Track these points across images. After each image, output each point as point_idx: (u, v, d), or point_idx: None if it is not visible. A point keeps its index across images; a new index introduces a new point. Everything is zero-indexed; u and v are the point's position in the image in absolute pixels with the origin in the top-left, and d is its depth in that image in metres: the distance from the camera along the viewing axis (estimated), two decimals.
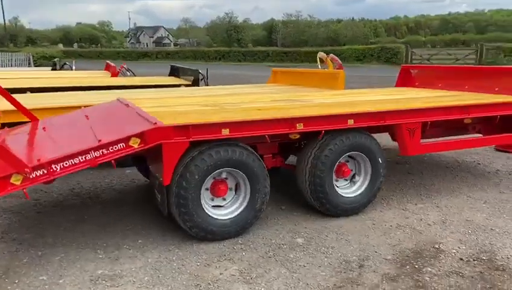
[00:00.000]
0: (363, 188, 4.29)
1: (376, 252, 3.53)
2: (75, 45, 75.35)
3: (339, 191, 4.19)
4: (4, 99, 4.49)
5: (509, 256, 3.45)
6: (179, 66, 9.58)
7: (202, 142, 3.50)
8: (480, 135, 5.38)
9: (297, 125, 3.78)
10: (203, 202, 3.62)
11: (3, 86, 4.38)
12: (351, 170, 4.29)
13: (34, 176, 2.98)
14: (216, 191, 3.70)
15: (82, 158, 3.09)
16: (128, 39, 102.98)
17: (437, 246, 3.61)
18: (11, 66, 23.57)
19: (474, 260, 3.38)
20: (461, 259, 3.40)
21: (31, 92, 6.96)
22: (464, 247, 3.60)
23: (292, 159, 4.70)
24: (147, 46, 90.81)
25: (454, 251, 3.54)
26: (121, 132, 3.28)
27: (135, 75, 10.63)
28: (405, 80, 6.96)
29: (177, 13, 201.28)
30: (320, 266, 3.32)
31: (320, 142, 4.00)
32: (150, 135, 3.24)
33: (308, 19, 78.48)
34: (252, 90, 7.14)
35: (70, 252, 3.53)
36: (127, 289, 3.02)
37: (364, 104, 4.61)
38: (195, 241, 3.67)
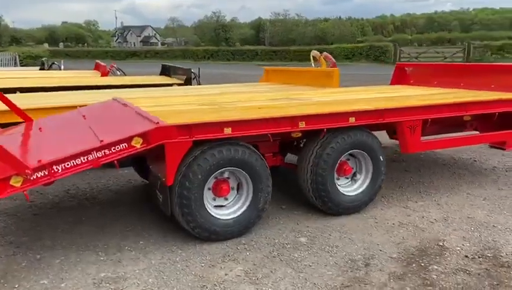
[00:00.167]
0: (364, 186, 4.27)
1: (381, 250, 3.51)
2: (61, 45, 74.38)
3: (341, 189, 4.16)
4: None
5: None
6: (171, 65, 9.49)
7: (204, 141, 3.45)
8: (477, 132, 5.41)
9: (299, 123, 3.75)
10: (205, 202, 3.56)
11: None
12: (352, 168, 4.27)
13: (34, 177, 2.90)
14: (218, 190, 3.64)
15: (84, 159, 3.02)
16: (115, 38, 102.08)
17: (441, 244, 3.61)
18: None
19: (479, 257, 3.38)
20: (466, 256, 3.40)
21: (21, 92, 6.83)
22: (468, 244, 3.60)
23: (290, 157, 4.66)
24: (134, 45, 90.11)
25: (459, 248, 3.53)
26: (122, 132, 3.21)
27: (125, 75, 10.51)
28: (400, 78, 6.97)
29: (164, 12, 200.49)
30: (326, 265, 3.29)
31: (322, 140, 3.97)
32: (152, 134, 3.18)
33: (295, 17, 78.51)
34: (247, 89, 7.09)
35: (71, 255, 3.45)
36: None
37: (364, 101, 4.58)
38: (198, 241, 3.62)
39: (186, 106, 4.42)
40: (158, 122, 3.22)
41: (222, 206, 3.76)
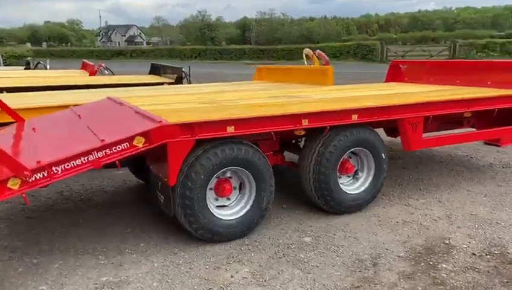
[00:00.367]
0: (366, 184, 4.22)
1: (387, 249, 3.46)
2: (44, 44, 73.27)
3: (343, 188, 4.11)
4: None
5: None
6: (160, 64, 9.34)
7: (206, 140, 3.36)
8: (474, 129, 5.40)
9: (302, 121, 3.68)
10: (208, 202, 3.47)
11: None
12: (354, 166, 4.22)
13: (33, 179, 2.78)
14: (221, 190, 3.56)
15: (85, 159, 2.90)
16: (99, 38, 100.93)
17: (447, 242, 3.57)
18: None
19: (486, 255, 3.35)
20: (474, 254, 3.37)
21: (8, 91, 6.63)
22: (474, 241, 3.57)
23: (287, 155, 4.59)
24: (119, 44, 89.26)
25: (465, 245, 3.50)
26: (123, 131, 3.10)
27: (114, 74, 10.33)
28: (395, 75, 6.94)
29: (149, 12, 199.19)
30: (334, 265, 3.22)
31: (324, 138, 3.91)
32: (155, 133, 3.07)
33: (281, 17, 78.58)
34: (240, 88, 6.98)
35: (69, 259, 3.32)
36: None
37: (365, 99, 4.53)
38: (200, 243, 3.53)
39: (185, 105, 4.31)
40: (161, 121, 3.12)
41: (224, 206, 3.67)
